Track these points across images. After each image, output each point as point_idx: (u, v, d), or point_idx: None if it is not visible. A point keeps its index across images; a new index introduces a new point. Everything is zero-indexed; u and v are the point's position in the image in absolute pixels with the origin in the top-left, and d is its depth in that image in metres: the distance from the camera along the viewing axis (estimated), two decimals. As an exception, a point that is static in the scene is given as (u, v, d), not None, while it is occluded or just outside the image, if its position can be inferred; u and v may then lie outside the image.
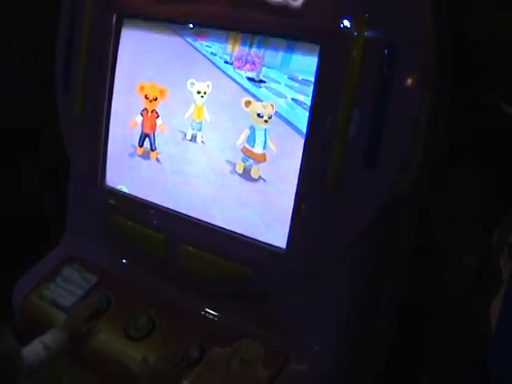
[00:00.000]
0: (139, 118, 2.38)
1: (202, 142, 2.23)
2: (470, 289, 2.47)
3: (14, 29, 3.24)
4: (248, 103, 2.09)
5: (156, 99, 2.32)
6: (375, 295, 2.18)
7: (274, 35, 2.03)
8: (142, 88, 2.36)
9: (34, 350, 2.07)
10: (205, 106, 2.21)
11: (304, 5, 1.92)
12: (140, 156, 2.41)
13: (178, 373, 2.06)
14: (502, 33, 2.19)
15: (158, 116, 2.34)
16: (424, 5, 1.82)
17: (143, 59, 2.36)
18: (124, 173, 2.47)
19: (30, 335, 2.18)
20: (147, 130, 2.37)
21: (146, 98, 2.35)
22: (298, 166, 2.00)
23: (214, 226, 2.23)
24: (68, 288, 2.45)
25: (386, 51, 1.80)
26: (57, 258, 2.60)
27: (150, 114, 2.34)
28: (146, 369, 2.08)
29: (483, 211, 2.46)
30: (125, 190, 2.46)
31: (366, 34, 1.82)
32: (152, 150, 2.37)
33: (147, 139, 2.37)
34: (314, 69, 1.94)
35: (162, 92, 2.31)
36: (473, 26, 2.19)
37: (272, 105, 2.06)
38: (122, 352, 2.20)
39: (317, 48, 1.93)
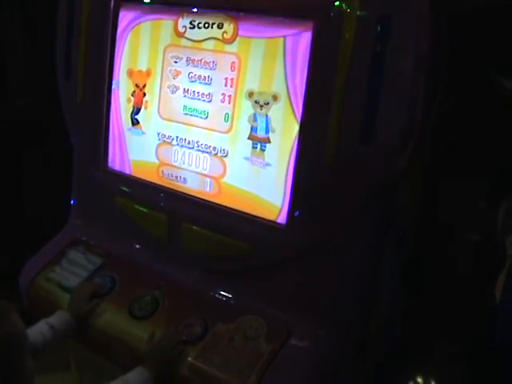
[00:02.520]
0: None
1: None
2: (475, 264, 2.47)
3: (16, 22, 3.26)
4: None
5: (144, 86, 2.38)
6: (378, 270, 2.19)
7: (268, 14, 2.03)
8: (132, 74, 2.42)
9: (39, 330, 2.10)
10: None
11: (297, -18, 1.93)
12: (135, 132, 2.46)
13: (180, 350, 2.08)
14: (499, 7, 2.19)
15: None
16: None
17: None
18: (124, 155, 2.49)
19: (37, 317, 2.22)
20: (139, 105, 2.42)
21: (137, 86, 2.40)
22: (296, 144, 2.02)
23: (214, 203, 2.26)
24: (73, 270, 2.49)
25: (379, 27, 1.80)
26: (63, 241, 2.64)
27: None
28: (151, 346, 2.10)
29: (488, 188, 2.47)
30: (126, 170, 2.48)
31: (358, 10, 1.82)
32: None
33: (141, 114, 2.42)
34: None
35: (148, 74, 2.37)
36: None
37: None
38: (126, 331, 2.24)
39: (310, 25, 1.93)
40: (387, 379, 2.42)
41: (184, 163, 2.32)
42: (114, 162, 2.53)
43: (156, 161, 2.40)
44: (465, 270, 2.51)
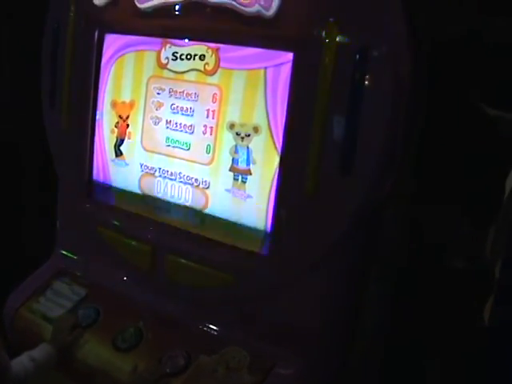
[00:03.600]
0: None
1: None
2: (461, 290, 2.46)
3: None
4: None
5: (128, 117, 2.39)
6: (362, 297, 2.18)
7: (249, 45, 2.04)
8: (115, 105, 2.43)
9: (21, 363, 2.09)
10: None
11: (277, 15, 1.94)
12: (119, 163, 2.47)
13: (163, 383, 2.07)
14: (482, 34, 2.20)
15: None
16: (395, 10, 1.83)
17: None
18: (108, 185, 2.50)
19: (21, 349, 2.20)
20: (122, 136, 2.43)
21: (120, 117, 2.41)
22: (277, 175, 2.02)
23: (197, 235, 2.25)
24: (58, 301, 2.47)
25: (358, 57, 1.81)
26: (48, 271, 2.63)
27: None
28: (133, 379, 2.09)
29: (472, 213, 2.46)
30: (110, 201, 2.49)
31: (337, 40, 1.83)
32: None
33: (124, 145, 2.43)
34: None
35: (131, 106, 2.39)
36: (453, 28, 2.21)
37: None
38: (109, 363, 2.22)
39: (290, 56, 1.95)
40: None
41: (167, 195, 2.32)
42: (98, 192, 2.53)
43: (139, 192, 2.40)
44: (451, 296, 2.49)
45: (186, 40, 2.21)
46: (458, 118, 2.26)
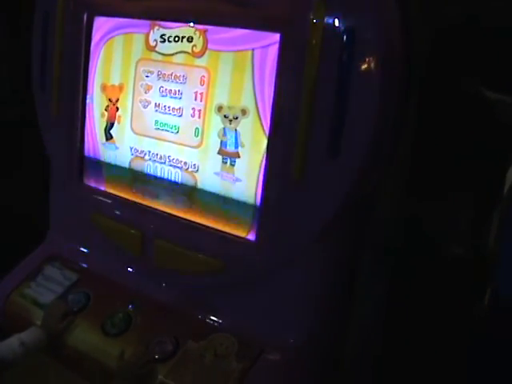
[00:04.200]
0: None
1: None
2: (461, 278, 2.43)
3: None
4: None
5: (117, 100, 2.37)
6: (355, 285, 2.16)
7: (236, 26, 2.01)
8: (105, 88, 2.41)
9: (10, 345, 2.10)
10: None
11: (262, -6, 1.91)
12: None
13: (150, 369, 2.06)
14: (480, 17, 2.16)
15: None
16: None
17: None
18: (99, 170, 2.48)
19: (12, 334, 2.20)
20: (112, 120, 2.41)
21: (110, 100, 2.39)
22: (264, 158, 1.99)
23: (185, 219, 2.23)
24: (48, 286, 2.46)
25: (345, 37, 1.77)
26: (39, 256, 2.62)
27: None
28: (121, 365, 2.08)
29: (471, 200, 2.43)
30: (101, 186, 2.47)
31: (324, 21, 1.79)
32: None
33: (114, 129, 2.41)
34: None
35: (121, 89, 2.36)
36: (451, 12, 2.17)
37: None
38: (98, 348, 2.21)
39: (277, 37, 1.91)
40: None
41: (156, 178, 2.29)
42: (89, 177, 2.51)
43: (130, 176, 2.38)
44: (451, 284, 2.46)
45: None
46: (456, 103, 2.22)
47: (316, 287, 2.06)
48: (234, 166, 2.08)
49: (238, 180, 2.08)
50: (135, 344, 2.16)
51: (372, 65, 1.77)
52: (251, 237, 2.08)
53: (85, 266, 2.54)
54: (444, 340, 2.38)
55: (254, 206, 2.06)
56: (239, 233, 2.11)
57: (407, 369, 2.40)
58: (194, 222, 2.21)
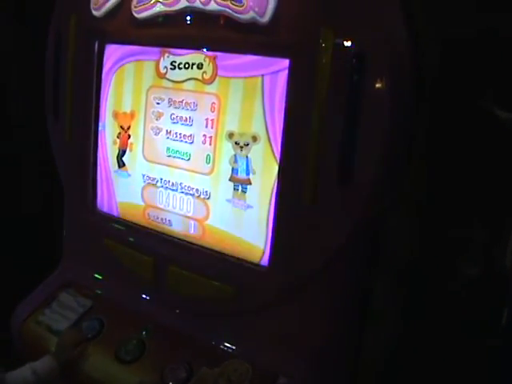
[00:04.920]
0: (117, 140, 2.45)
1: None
2: (475, 300, 2.41)
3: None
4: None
5: (129, 128, 2.39)
6: (365, 308, 2.15)
7: (245, 53, 2.02)
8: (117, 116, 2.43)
9: (22, 374, 2.09)
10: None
11: (271, 21, 1.91)
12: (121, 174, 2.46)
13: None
14: (491, 35, 2.15)
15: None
16: (393, 12, 1.80)
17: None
18: (112, 196, 2.49)
19: (28, 360, 2.20)
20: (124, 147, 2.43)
21: (122, 128, 2.40)
22: (276, 185, 1.99)
23: (198, 246, 2.24)
24: (63, 313, 2.47)
25: (355, 62, 1.77)
26: (54, 283, 2.63)
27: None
28: None
29: (485, 218, 2.41)
30: (114, 212, 2.48)
31: (333, 45, 1.80)
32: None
33: (126, 156, 2.43)
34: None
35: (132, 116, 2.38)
36: (460, 30, 2.16)
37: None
38: (112, 375, 2.21)
39: (286, 63, 1.92)
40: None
41: (169, 205, 2.31)
42: (102, 203, 2.53)
43: (142, 203, 2.40)
44: (465, 306, 2.44)
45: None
46: (467, 121, 2.21)
47: (329, 312, 2.05)
48: (245, 192, 2.08)
49: (249, 207, 2.08)
50: (149, 371, 2.16)
51: (382, 87, 1.77)
52: (264, 262, 2.08)
53: (99, 292, 2.54)
54: (460, 362, 2.35)
55: (265, 232, 2.05)
56: (252, 259, 2.11)
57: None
58: (206, 249, 2.21)
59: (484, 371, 2.27)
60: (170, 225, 2.32)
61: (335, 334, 2.08)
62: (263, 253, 2.08)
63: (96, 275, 2.59)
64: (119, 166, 2.44)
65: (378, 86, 1.77)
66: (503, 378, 2.18)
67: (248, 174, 2.07)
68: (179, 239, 2.29)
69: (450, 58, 2.06)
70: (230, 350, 2.19)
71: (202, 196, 2.20)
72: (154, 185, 2.33)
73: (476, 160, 2.23)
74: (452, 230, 2.36)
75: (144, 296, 2.43)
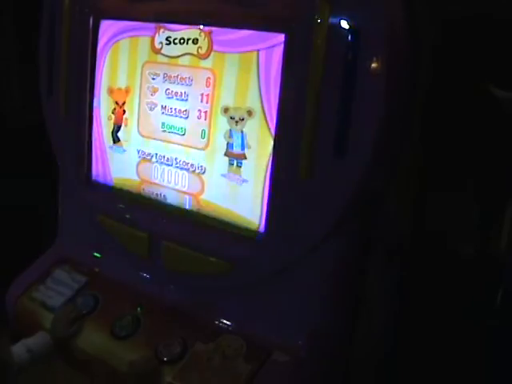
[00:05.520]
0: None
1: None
2: (469, 278, 2.42)
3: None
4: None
5: (124, 103, 2.38)
6: (364, 284, 2.15)
7: (241, 28, 2.01)
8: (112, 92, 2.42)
9: (16, 352, 2.09)
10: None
11: (268, -5, 1.90)
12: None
13: (157, 372, 2.06)
14: (489, 14, 2.15)
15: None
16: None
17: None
18: (107, 172, 2.49)
19: (22, 336, 2.23)
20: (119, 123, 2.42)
21: (117, 103, 2.40)
22: (271, 158, 1.99)
23: (193, 221, 2.24)
24: (57, 289, 2.47)
25: (350, 37, 1.77)
26: (49, 259, 2.63)
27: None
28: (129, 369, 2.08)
29: (480, 199, 2.41)
30: (109, 188, 2.49)
31: (329, 21, 1.79)
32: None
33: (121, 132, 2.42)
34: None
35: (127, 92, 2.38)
36: (457, 7, 2.15)
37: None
38: (107, 350, 2.22)
39: (282, 38, 1.91)
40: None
41: (164, 180, 2.31)
42: (97, 179, 2.53)
43: (137, 178, 2.39)
44: (459, 285, 2.45)
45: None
46: (464, 100, 2.21)
47: (324, 288, 2.06)
48: (240, 167, 2.08)
49: (244, 181, 2.08)
50: (144, 346, 2.17)
51: (377, 64, 1.76)
52: (259, 237, 2.08)
53: (93, 268, 2.55)
54: (454, 341, 2.36)
55: (261, 207, 2.05)
56: (247, 233, 2.10)
57: (416, 370, 2.38)
58: (201, 224, 2.21)
59: (479, 351, 2.29)
60: (165, 200, 2.31)
61: (330, 311, 2.09)
62: (258, 227, 2.08)
63: (91, 252, 2.59)
64: (114, 142, 2.43)
65: (373, 61, 1.76)
66: (498, 359, 2.19)
67: (243, 148, 2.06)
68: (174, 214, 2.28)
69: (448, 38, 2.06)
70: (225, 326, 2.19)
71: (197, 171, 2.20)
72: (149, 160, 2.33)
73: (473, 140, 2.23)
74: (447, 211, 2.37)
75: (139, 272, 2.43)
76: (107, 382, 2.18)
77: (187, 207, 2.26)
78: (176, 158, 2.24)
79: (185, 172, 2.23)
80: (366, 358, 2.30)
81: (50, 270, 2.57)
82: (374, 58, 1.76)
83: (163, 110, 2.26)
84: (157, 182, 2.33)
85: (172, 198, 2.30)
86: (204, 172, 2.18)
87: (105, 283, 2.46)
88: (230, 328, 2.17)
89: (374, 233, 2.12)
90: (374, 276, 2.18)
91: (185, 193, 2.26)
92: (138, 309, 2.30)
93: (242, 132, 2.05)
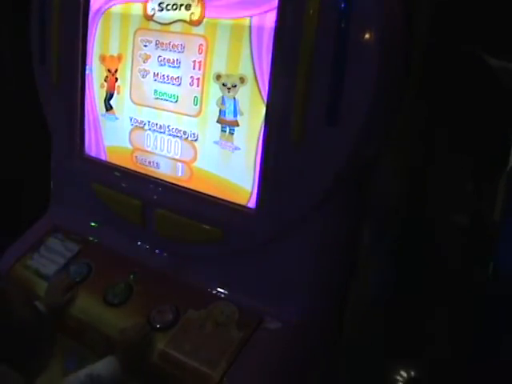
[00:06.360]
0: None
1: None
2: (462, 248, 2.42)
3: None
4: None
5: (116, 71, 2.37)
6: (358, 252, 2.16)
7: (232, -7, 2.00)
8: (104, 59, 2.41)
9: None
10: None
11: (260, -41, 1.89)
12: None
13: (150, 339, 2.07)
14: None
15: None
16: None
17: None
18: (100, 140, 2.48)
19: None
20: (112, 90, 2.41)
21: (109, 71, 2.38)
22: (264, 125, 1.98)
23: (185, 188, 2.24)
24: (51, 257, 2.48)
25: (343, 5, 1.75)
26: (42, 228, 2.63)
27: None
28: (121, 336, 2.09)
29: (475, 167, 2.41)
30: (101, 157, 2.48)
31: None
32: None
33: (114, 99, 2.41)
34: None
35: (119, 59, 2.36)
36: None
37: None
38: (100, 318, 2.23)
39: (274, 3, 1.89)
40: (367, 368, 2.37)
41: (156, 148, 2.30)
42: (90, 148, 2.52)
43: (130, 146, 2.39)
44: (452, 255, 2.45)
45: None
46: (458, 70, 2.20)
47: (316, 257, 2.06)
48: (233, 134, 2.07)
49: (237, 148, 2.08)
50: (136, 313, 2.17)
51: (369, 33, 1.75)
52: (251, 205, 2.08)
53: (86, 236, 2.55)
54: (447, 308, 2.37)
55: (253, 174, 2.05)
56: (239, 201, 2.11)
57: (408, 341, 2.39)
58: (193, 191, 2.21)
59: (471, 319, 2.29)
60: (158, 168, 2.31)
61: (322, 279, 2.09)
62: (251, 195, 2.08)
63: (84, 220, 2.59)
64: (107, 110, 2.42)
65: (365, 31, 1.75)
66: (488, 328, 2.20)
67: (235, 115, 2.06)
68: (167, 182, 2.29)
69: (443, 6, 2.05)
70: (217, 293, 2.20)
71: (189, 138, 2.19)
72: (142, 128, 2.32)
73: (467, 109, 2.22)
74: (441, 180, 2.37)
75: (131, 240, 2.43)
76: (101, 349, 2.17)
77: (180, 175, 2.25)
78: (168, 126, 2.24)
79: (177, 139, 2.22)
80: (359, 326, 2.30)
81: (43, 239, 2.57)
82: (367, 28, 1.75)
83: (155, 77, 2.24)
84: (149, 149, 2.32)
85: (165, 166, 2.29)
86: (196, 139, 2.17)
87: (97, 251, 2.47)
88: (222, 295, 2.18)
89: (368, 200, 2.12)
90: (367, 244, 2.19)
91: (177, 160, 2.25)
92: (131, 276, 2.30)
93: (234, 99, 2.04)
